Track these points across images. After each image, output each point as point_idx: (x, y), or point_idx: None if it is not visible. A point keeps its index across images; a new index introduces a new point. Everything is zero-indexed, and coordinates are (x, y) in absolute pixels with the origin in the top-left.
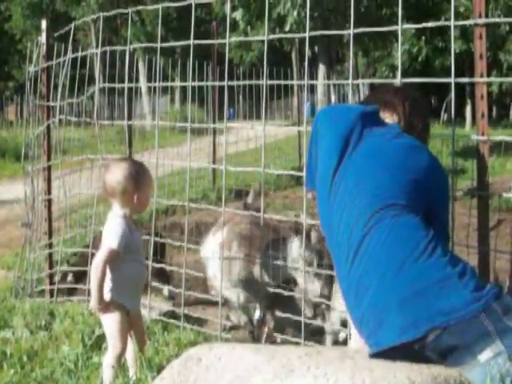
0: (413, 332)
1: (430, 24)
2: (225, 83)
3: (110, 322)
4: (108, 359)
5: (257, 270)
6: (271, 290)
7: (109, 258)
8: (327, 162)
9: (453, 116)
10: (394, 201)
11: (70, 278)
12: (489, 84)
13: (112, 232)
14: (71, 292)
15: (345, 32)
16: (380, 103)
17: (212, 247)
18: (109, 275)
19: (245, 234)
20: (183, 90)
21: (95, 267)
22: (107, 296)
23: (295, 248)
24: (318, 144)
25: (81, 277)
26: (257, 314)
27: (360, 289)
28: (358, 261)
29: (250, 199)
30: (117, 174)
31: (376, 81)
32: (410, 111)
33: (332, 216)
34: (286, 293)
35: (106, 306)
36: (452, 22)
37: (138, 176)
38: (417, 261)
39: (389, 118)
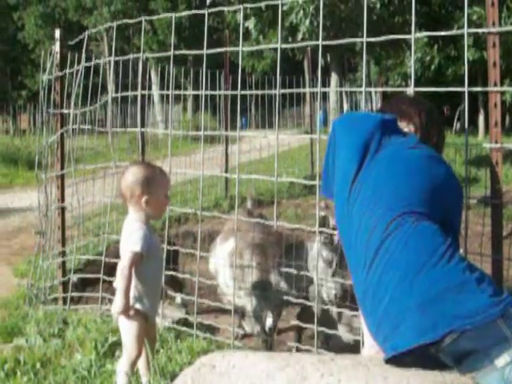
0: (430, 335)
1: (444, 32)
2: (238, 92)
3: (129, 329)
4: (122, 366)
5: (272, 278)
6: (293, 299)
7: (133, 261)
8: (346, 169)
9: (466, 125)
10: (412, 208)
11: (74, 279)
12: (502, 93)
13: (132, 235)
14: (79, 299)
15: (358, 40)
16: (396, 113)
17: (222, 256)
18: (132, 281)
19: (255, 242)
20: (196, 98)
21: (121, 272)
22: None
23: (316, 247)
24: (335, 151)
25: (89, 284)
26: (269, 323)
27: (377, 293)
28: (375, 266)
29: (249, 205)
30: (126, 179)
31: (389, 89)
32: (427, 122)
33: (350, 223)
34: (297, 301)
35: (128, 312)
36: (465, 30)
37: (147, 180)
38: (435, 266)
39: (405, 127)
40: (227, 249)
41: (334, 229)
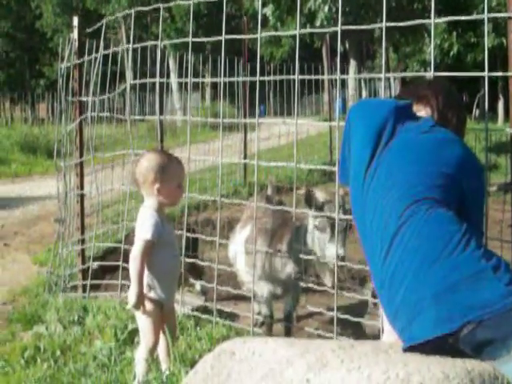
0: (447, 325)
1: (463, 17)
2: (256, 78)
3: (144, 316)
4: (141, 353)
5: (279, 261)
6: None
7: (145, 249)
8: (360, 156)
9: (486, 110)
10: (426, 195)
11: (95, 266)
12: None
13: (144, 223)
14: (97, 287)
15: (377, 25)
16: (413, 96)
17: (239, 243)
18: (144, 270)
19: (267, 227)
20: (214, 86)
21: (133, 260)
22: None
23: (310, 221)
24: (351, 138)
25: (109, 271)
26: (286, 308)
27: (394, 283)
28: (391, 255)
29: (269, 192)
30: (140, 165)
31: (408, 74)
32: (444, 104)
33: (365, 210)
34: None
35: (143, 300)
36: (486, 15)
37: (161, 167)
38: (451, 255)
39: (422, 110)
40: (243, 235)
41: (322, 205)
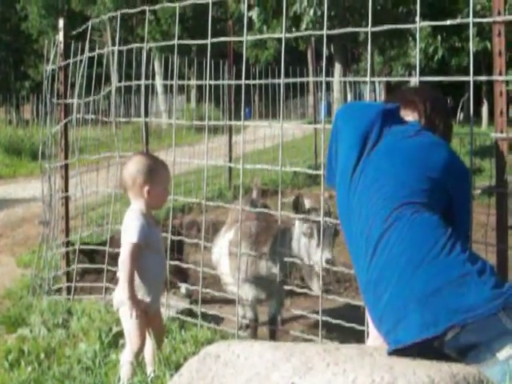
0: (432, 329)
1: (449, 21)
2: (242, 82)
3: (129, 319)
4: (126, 356)
5: (263, 265)
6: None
7: (132, 252)
8: (347, 158)
9: (471, 113)
10: (412, 199)
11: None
12: (506, 83)
13: (130, 226)
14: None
15: (363, 29)
16: (401, 101)
17: (222, 246)
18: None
19: (252, 231)
20: (199, 89)
21: (121, 264)
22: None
23: (297, 227)
24: (337, 141)
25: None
26: (270, 312)
27: (379, 286)
28: (376, 258)
29: (254, 195)
30: (128, 168)
31: (394, 79)
32: (431, 110)
33: (351, 212)
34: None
35: (136, 303)
36: (471, 19)
37: (150, 170)
38: (436, 258)
39: (410, 115)
40: (227, 239)
41: (309, 210)
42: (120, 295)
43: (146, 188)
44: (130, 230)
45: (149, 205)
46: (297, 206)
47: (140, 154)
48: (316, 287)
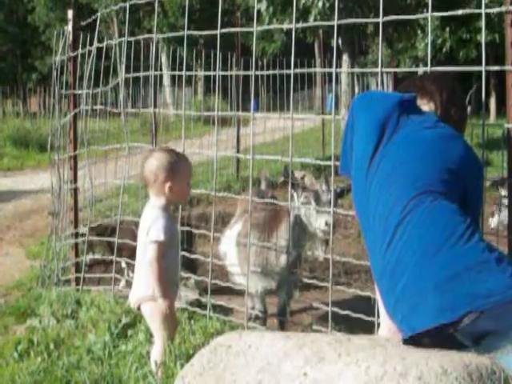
0: (449, 314)
1: (460, 11)
2: (251, 73)
3: (154, 317)
4: (157, 353)
5: (271, 256)
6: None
7: (160, 251)
8: (364, 148)
9: (483, 104)
10: (430, 188)
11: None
12: None
13: (156, 225)
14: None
15: (373, 20)
16: (417, 90)
17: (230, 237)
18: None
19: (259, 222)
20: (206, 81)
21: (150, 265)
22: (150, 291)
23: (295, 200)
24: (354, 130)
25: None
26: (280, 302)
27: (396, 272)
28: (394, 245)
29: (262, 186)
30: (150, 163)
31: (404, 69)
32: (448, 100)
33: (368, 201)
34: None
35: (171, 300)
36: (483, 10)
37: (172, 166)
38: (454, 245)
39: (425, 105)
40: (236, 230)
41: (302, 179)
42: (141, 292)
43: (168, 185)
44: (156, 229)
45: (171, 201)
46: (287, 176)
47: (161, 149)
48: (321, 253)
